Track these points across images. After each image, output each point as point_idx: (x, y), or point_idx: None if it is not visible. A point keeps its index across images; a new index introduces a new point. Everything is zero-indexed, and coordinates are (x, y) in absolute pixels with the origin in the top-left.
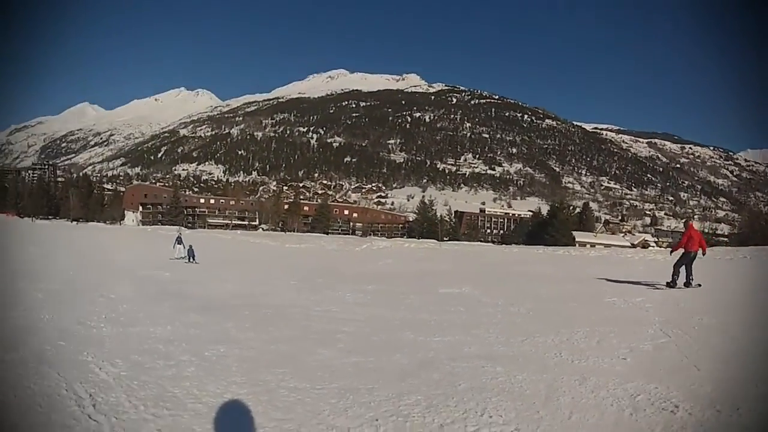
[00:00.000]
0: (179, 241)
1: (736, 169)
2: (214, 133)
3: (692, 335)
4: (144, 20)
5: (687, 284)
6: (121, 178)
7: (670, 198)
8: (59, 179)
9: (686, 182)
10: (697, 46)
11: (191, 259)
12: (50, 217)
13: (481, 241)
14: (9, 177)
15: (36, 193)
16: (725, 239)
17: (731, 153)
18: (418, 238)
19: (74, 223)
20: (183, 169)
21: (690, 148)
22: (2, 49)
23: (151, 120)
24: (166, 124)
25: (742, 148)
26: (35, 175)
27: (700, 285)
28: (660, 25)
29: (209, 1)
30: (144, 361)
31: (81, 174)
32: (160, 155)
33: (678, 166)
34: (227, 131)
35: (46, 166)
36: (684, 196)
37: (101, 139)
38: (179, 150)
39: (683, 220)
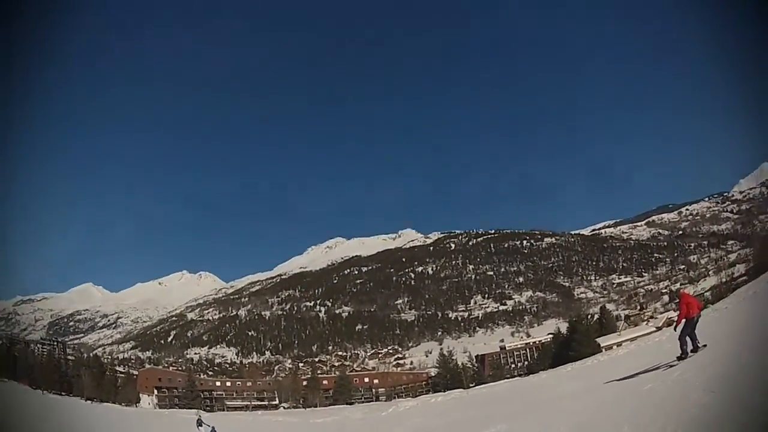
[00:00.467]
0: (199, 423)
1: (735, 206)
2: (221, 315)
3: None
4: (143, 207)
5: (695, 350)
6: (133, 361)
7: (681, 267)
8: (69, 357)
9: (692, 244)
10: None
11: None
12: (63, 393)
13: (507, 377)
14: (18, 347)
15: (47, 366)
16: (744, 277)
17: (725, 194)
18: (444, 391)
19: (88, 402)
20: (195, 353)
21: (686, 209)
22: (8, 226)
23: (156, 303)
24: (173, 307)
25: (734, 182)
26: (45, 349)
27: (705, 345)
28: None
29: (200, 190)
30: None
31: (92, 354)
32: (170, 339)
33: (680, 232)
34: (234, 313)
35: (56, 343)
36: (694, 259)
37: (109, 321)
38: (188, 334)
39: (674, 292)
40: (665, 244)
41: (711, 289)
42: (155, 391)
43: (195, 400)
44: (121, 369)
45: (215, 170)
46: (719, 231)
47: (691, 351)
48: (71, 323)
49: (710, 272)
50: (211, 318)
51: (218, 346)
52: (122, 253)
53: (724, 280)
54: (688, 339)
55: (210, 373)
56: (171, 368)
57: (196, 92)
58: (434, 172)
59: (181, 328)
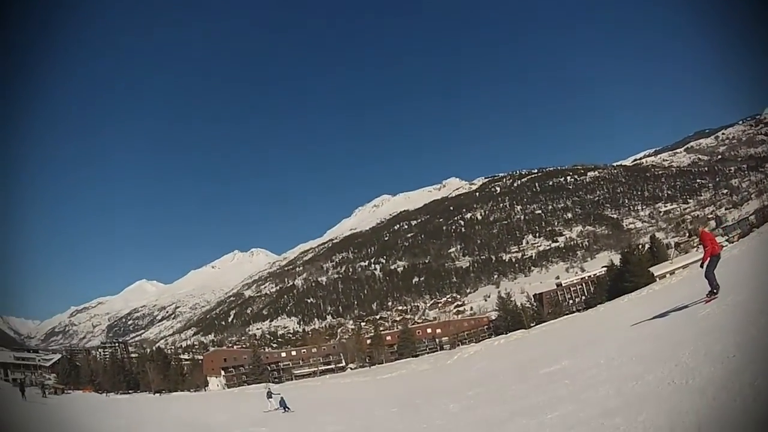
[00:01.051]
0: (269, 395)
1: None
2: (278, 288)
3: None
4: (189, 192)
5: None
6: (197, 346)
7: (725, 191)
8: (132, 355)
9: (732, 168)
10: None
11: (285, 409)
12: (130, 391)
13: (566, 314)
14: (79, 356)
15: (111, 369)
16: None
17: (758, 116)
18: (506, 333)
19: (157, 394)
20: (257, 329)
21: (722, 133)
22: (62, 234)
23: (213, 287)
24: (229, 288)
25: (765, 105)
26: (107, 352)
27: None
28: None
29: (242, 161)
30: None
31: (154, 348)
32: (230, 319)
33: (719, 156)
34: (291, 283)
35: (117, 344)
36: (735, 182)
37: (167, 312)
38: (248, 311)
39: (695, 229)
40: (706, 169)
41: (755, 212)
42: (222, 372)
43: (262, 374)
44: (185, 357)
45: (252, 145)
46: (756, 154)
47: (709, 293)
48: (130, 322)
49: (752, 196)
50: (268, 292)
51: (279, 318)
52: (171, 244)
53: (766, 203)
54: (715, 274)
55: (274, 345)
56: (235, 347)
57: (223, 63)
58: (471, 118)
59: (240, 307)
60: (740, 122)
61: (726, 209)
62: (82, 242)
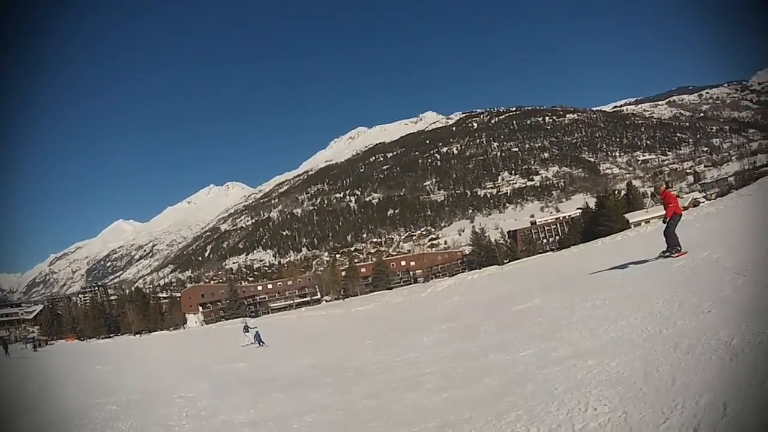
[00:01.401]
0: (246, 329)
1: (754, 96)
2: (254, 221)
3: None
4: (160, 127)
5: (672, 251)
6: (174, 284)
7: (705, 149)
8: (112, 297)
9: (714, 127)
10: None
11: (260, 343)
12: (111, 335)
13: (539, 252)
14: (60, 304)
15: (91, 314)
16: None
17: (744, 82)
18: (479, 268)
19: (137, 336)
20: (233, 263)
21: (706, 92)
22: (36, 180)
23: (189, 223)
24: (205, 223)
25: (753, 72)
26: (86, 298)
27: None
28: None
29: (215, 94)
30: None
31: (133, 288)
32: (207, 254)
33: (702, 114)
34: (267, 216)
35: (96, 288)
36: (716, 142)
37: (145, 251)
38: (224, 245)
39: (657, 186)
40: (687, 124)
41: (735, 175)
42: (200, 309)
43: (239, 308)
44: (163, 295)
45: (226, 76)
46: (740, 118)
47: (666, 252)
48: (108, 264)
49: (733, 158)
50: (244, 225)
51: (255, 252)
52: (146, 181)
53: (747, 167)
54: (676, 234)
55: (250, 279)
56: (212, 282)
57: None
58: (449, 53)
59: (216, 242)
60: (725, 84)
61: (705, 167)
62: (56, 188)
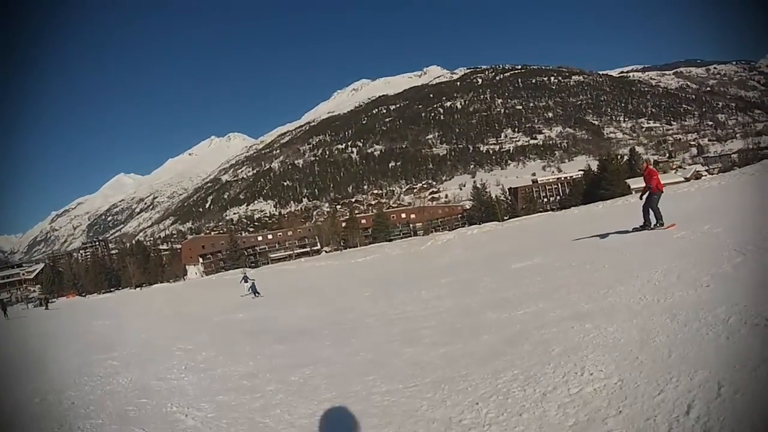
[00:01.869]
0: (245, 279)
1: (762, 77)
2: (255, 171)
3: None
4: (161, 77)
5: (657, 225)
6: (175, 236)
7: (710, 123)
8: (113, 252)
9: (720, 103)
10: None
11: (256, 294)
12: (112, 289)
13: (540, 211)
14: (62, 261)
15: (92, 269)
16: None
17: (753, 63)
18: (479, 224)
19: (138, 289)
20: (234, 213)
21: (714, 68)
22: (34, 138)
23: (190, 174)
24: (206, 174)
25: (762, 55)
26: (87, 253)
27: (673, 225)
28: None
29: (216, 42)
30: (230, 400)
31: (134, 242)
32: (207, 205)
33: (708, 89)
34: (268, 167)
35: (97, 242)
36: (722, 118)
37: (145, 204)
38: (225, 196)
39: (640, 167)
40: (693, 97)
41: (738, 152)
42: (200, 260)
43: (239, 259)
44: (164, 247)
45: (228, 25)
46: (746, 97)
47: (654, 225)
48: (109, 218)
49: (737, 135)
50: (245, 176)
51: (256, 202)
52: (147, 134)
53: (750, 146)
54: (651, 211)
55: (251, 230)
56: (212, 233)
57: None
58: (455, 7)
59: (217, 192)
60: (734, 62)
61: (709, 140)
62: (55, 144)
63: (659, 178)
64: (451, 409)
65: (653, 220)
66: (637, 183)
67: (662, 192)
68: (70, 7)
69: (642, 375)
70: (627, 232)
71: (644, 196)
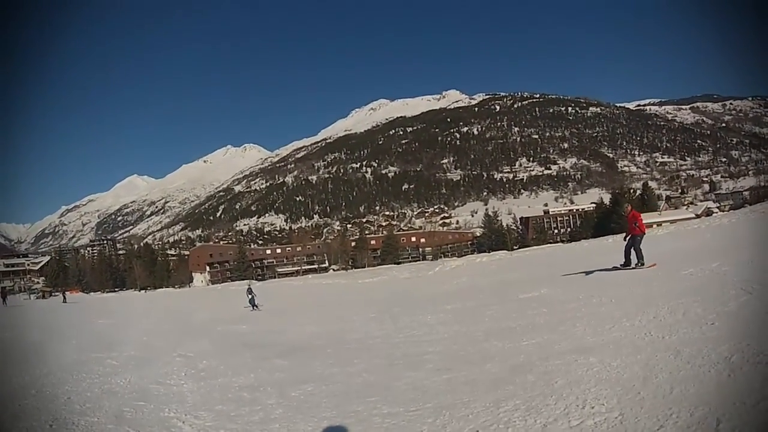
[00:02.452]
0: (250, 291)
1: None
2: (268, 184)
3: None
4: (185, 83)
5: (637, 265)
6: (184, 242)
7: (723, 159)
8: (120, 252)
9: (735, 139)
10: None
11: (254, 307)
12: (116, 289)
13: (550, 242)
14: (68, 256)
15: (98, 267)
16: None
17: None
18: (489, 252)
19: (142, 291)
20: (244, 225)
21: (730, 103)
22: (49, 133)
23: (203, 182)
24: (219, 183)
25: None
26: (95, 251)
27: (654, 264)
28: None
29: (240, 54)
30: (229, 410)
31: (142, 244)
32: (218, 214)
33: (723, 124)
34: (281, 180)
35: (105, 241)
36: (735, 154)
37: (156, 207)
38: (237, 206)
39: (624, 209)
40: (708, 132)
41: (750, 189)
42: (207, 268)
43: (247, 270)
44: (172, 252)
45: (251, 39)
46: (761, 134)
47: (636, 265)
48: (119, 218)
49: (750, 172)
50: (258, 188)
51: (267, 215)
52: (164, 139)
53: (762, 184)
54: (633, 252)
55: (260, 242)
56: (221, 243)
57: None
58: (478, 33)
59: (228, 202)
60: (749, 98)
61: (722, 177)
62: (73, 139)
63: (642, 220)
64: None
65: (634, 260)
66: (648, 219)
67: (645, 234)
68: (104, 8)
69: (643, 410)
70: (634, 267)
71: (627, 237)
